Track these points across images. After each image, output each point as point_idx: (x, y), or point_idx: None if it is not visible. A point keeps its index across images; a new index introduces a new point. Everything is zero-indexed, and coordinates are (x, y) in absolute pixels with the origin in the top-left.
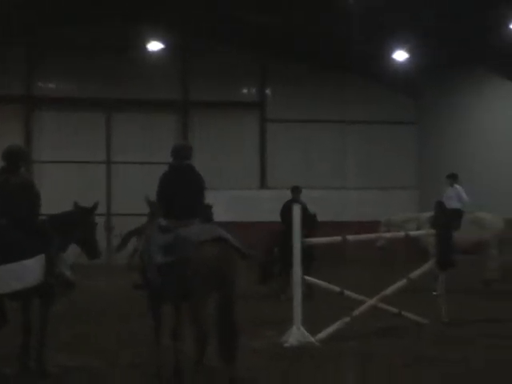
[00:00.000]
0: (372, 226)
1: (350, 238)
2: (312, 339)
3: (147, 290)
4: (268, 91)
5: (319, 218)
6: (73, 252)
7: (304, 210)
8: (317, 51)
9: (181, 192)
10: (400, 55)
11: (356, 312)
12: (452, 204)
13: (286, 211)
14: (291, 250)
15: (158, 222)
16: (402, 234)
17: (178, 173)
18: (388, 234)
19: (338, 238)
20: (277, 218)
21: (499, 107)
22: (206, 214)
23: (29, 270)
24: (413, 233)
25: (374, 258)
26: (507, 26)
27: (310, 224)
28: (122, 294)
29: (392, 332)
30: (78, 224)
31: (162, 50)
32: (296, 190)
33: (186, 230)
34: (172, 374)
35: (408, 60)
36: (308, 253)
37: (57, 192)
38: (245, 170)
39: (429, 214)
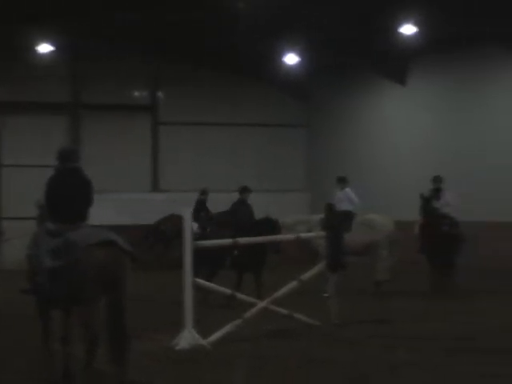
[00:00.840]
0: None
1: (241, 240)
2: (203, 342)
3: (35, 295)
4: (160, 94)
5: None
6: None
7: (251, 213)
8: (209, 53)
9: (67, 195)
10: (291, 58)
11: (247, 314)
12: (343, 206)
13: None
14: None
15: (46, 225)
16: (292, 236)
17: (64, 176)
18: (279, 236)
19: (229, 241)
20: None
21: (388, 109)
22: None
23: None
24: (303, 235)
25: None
26: (395, 29)
27: (265, 229)
28: (11, 299)
29: (284, 334)
30: None
31: (53, 52)
32: (244, 191)
33: (74, 233)
34: (62, 379)
35: (298, 63)
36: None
37: None
38: (137, 172)
39: (320, 216)
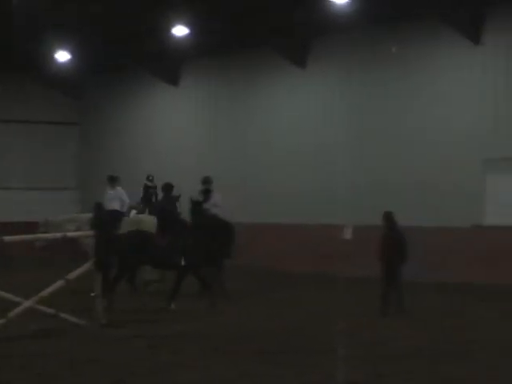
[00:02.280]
0: (37, 226)
1: (7, 239)
2: None
3: None
4: None
5: None
6: None
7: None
8: None
9: None
10: (62, 55)
11: (11, 314)
12: (114, 205)
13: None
14: None
15: None
16: (59, 234)
17: None
18: (46, 235)
19: None
20: None
21: (161, 109)
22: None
23: None
24: (70, 234)
25: (34, 259)
26: (168, 30)
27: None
28: None
29: (49, 333)
30: None
31: None
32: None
33: None
34: None
35: (71, 60)
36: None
37: None
38: None
39: (89, 215)
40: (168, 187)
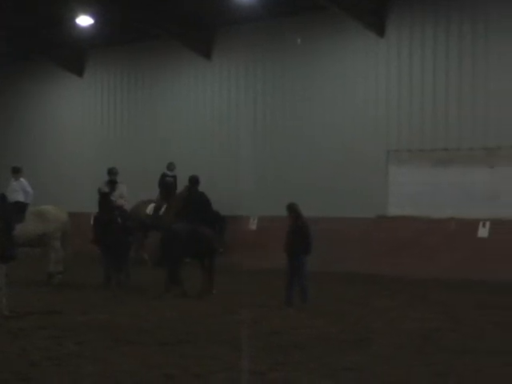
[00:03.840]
0: None
1: None
2: None
3: None
4: None
5: None
6: None
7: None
8: None
9: None
10: None
11: None
12: (17, 197)
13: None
14: None
15: None
16: None
17: None
18: None
19: None
20: None
21: (65, 100)
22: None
23: None
24: None
25: None
26: (72, 20)
27: None
28: None
29: None
30: None
31: None
32: (112, 171)
33: None
34: None
35: None
36: None
37: None
38: None
39: None
40: (195, 180)
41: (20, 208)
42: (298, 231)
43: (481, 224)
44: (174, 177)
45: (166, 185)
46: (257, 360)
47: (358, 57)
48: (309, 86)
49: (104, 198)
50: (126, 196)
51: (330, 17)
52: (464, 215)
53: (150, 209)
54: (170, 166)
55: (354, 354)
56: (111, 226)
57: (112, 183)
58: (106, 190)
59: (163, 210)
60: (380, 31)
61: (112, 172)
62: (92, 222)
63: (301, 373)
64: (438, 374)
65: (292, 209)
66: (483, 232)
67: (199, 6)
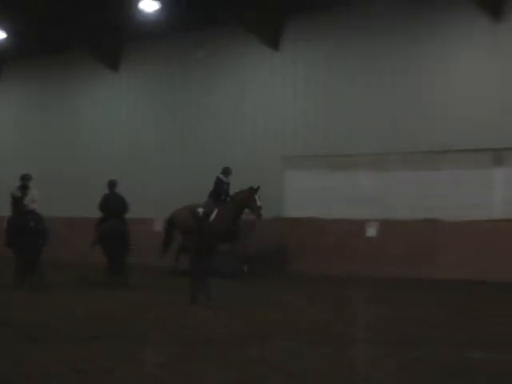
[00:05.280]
0: None
1: None
2: None
3: None
4: None
5: None
6: None
7: None
8: None
9: None
10: None
11: None
12: None
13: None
14: None
15: None
16: None
17: None
18: None
19: None
20: None
21: None
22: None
23: None
24: None
25: None
26: None
27: None
28: None
29: None
30: None
31: None
32: (25, 177)
33: None
34: None
35: None
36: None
37: None
38: None
39: None
40: (112, 184)
41: None
42: (199, 231)
43: (369, 224)
44: (228, 184)
45: (222, 191)
46: (164, 353)
47: (257, 69)
48: (211, 98)
49: (16, 202)
50: (37, 200)
51: (230, 32)
52: (353, 216)
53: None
54: (227, 171)
55: (255, 347)
56: (24, 229)
57: (24, 188)
58: (19, 194)
59: (214, 215)
60: (275, 45)
61: (25, 178)
62: (5, 225)
63: (204, 365)
64: (327, 357)
65: (194, 213)
66: (371, 232)
67: (107, 21)
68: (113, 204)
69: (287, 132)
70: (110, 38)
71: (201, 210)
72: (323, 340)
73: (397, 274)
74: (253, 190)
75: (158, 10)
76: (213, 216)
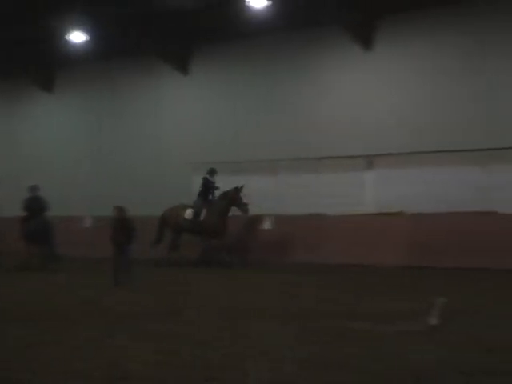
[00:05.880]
0: None
1: None
2: None
3: None
4: None
5: None
6: None
7: None
8: None
9: None
10: None
11: None
12: None
13: None
14: None
15: None
16: None
17: None
18: None
19: None
20: None
21: None
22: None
23: None
24: None
25: None
26: None
27: None
28: None
29: None
30: None
31: None
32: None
33: None
34: None
35: None
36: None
37: None
38: None
39: None
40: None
41: None
42: (122, 226)
43: (266, 218)
44: (214, 183)
45: (209, 190)
46: (92, 330)
47: (168, 93)
48: (132, 120)
49: None
50: None
51: (147, 60)
52: (255, 211)
53: (188, 214)
54: (212, 172)
55: (169, 322)
56: None
57: None
58: None
59: (203, 214)
60: (184, 71)
61: None
62: None
63: (126, 338)
64: (241, 335)
65: (119, 209)
66: (268, 224)
67: (41, 48)
68: (34, 204)
69: (195, 142)
70: (44, 63)
71: (190, 211)
72: (229, 316)
73: (289, 260)
74: (238, 190)
75: (84, 41)
76: (203, 215)
